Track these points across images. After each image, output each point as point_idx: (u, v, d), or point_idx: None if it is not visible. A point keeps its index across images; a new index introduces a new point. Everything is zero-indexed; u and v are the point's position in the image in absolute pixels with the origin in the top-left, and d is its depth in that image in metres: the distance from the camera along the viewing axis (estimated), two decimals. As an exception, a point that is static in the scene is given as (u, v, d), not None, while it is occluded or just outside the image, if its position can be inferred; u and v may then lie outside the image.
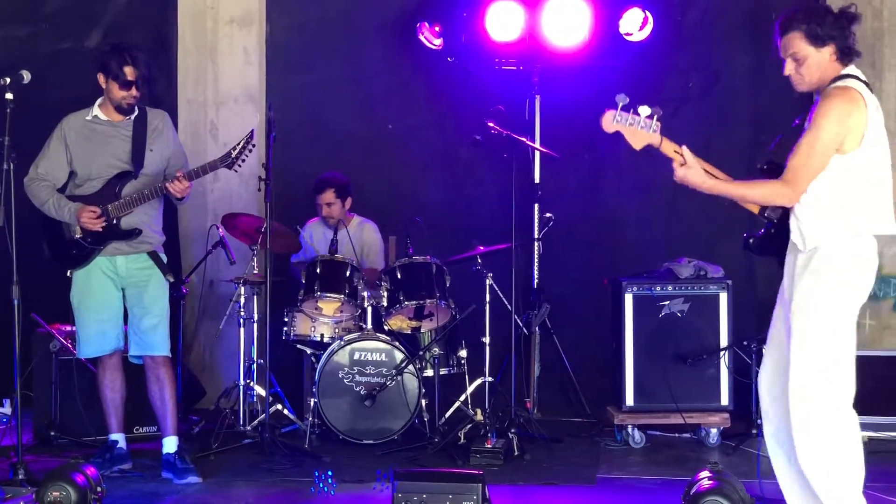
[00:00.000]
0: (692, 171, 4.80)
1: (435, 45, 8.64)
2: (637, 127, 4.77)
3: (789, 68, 4.86)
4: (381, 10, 9.15)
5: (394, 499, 4.96)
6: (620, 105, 4.77)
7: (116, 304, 6.53)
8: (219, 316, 8.48)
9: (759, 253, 5.15)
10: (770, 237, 5.03)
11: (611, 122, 4.80)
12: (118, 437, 6.64)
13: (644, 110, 4.77)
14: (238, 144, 6.46)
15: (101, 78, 6.44)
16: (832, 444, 4.67)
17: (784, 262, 5.03)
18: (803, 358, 4.70)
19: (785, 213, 4.95)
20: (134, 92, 6.41)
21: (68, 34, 9.13)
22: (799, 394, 4.70)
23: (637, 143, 4.81)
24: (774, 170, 4.92)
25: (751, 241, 5.13)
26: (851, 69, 4.82)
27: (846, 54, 4.80)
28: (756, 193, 4.85)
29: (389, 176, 9.10)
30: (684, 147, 4.83)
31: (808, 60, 4.78)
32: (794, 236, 4.82)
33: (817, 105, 4.73)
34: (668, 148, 4.82)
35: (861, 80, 4.78)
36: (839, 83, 4.74)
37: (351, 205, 8.35)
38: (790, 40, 4.81)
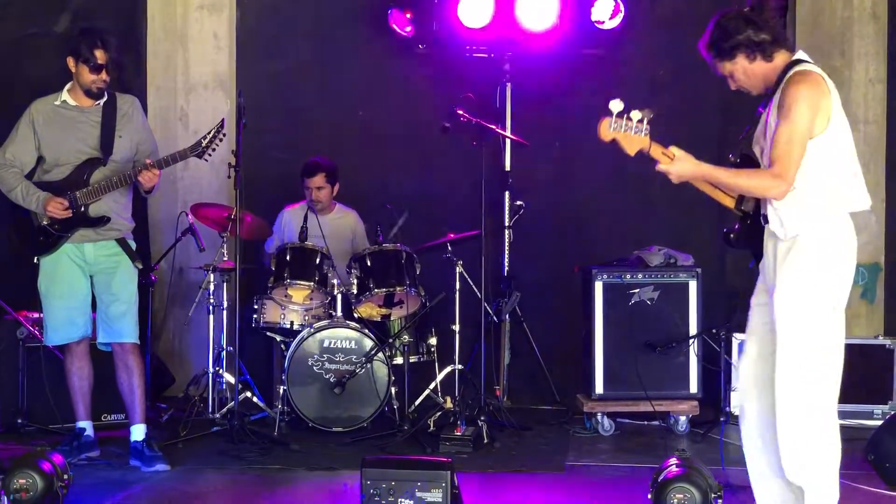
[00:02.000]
0: (682, 162, 4.76)
1: (406, 32, 8.63)
2: (631, 132, 4.75)
3: (733, 85, 4.92)
4: (353, -4, 9.14)
5: (363, 486, 4.94)
6: (616, 112, 4.74)
7: (84, 292, 6.48)
8: (188, 303, 8.47)
9: (738, 246, 5.14)
10: (747, 229, 5.03)
11: (608, 130, 4.76)
12: (86, 425, 6.58)
13: (636, 115, 4.73)
14: (208, 133, 6.41)
15: (70, 62, 6.38)
16: (815, 437, 4.70)
17: (758, 254, 5.04)
18: (791, 350, 4.70)
19: (757, 204, 4.96)
20: (104, 76, 6.35)
21: (36, 19, 9.03)
22: (786, 387, 4.71)
23: (631, 148, 4.77)
24: (746, 162, 4.93)
25: (731, 235, 5.12)
26: (800, 54, 4.82)
27: (762, 49, 4.78)
28: (748, 183, 4.80)
29: (360, 163, 9.05)
30: (672, 147, 4.80)
31: (735, 74, 4.84)
32: (774, 225, 4.80)
33: (784, 92, 4.72)
34: (657, 151, 4.78)
35: (811, 63, 4.79)
36: (799, 67, 4.73)
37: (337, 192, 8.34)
38: (714, 65, 4.90)
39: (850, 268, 4.75)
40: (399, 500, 4.88)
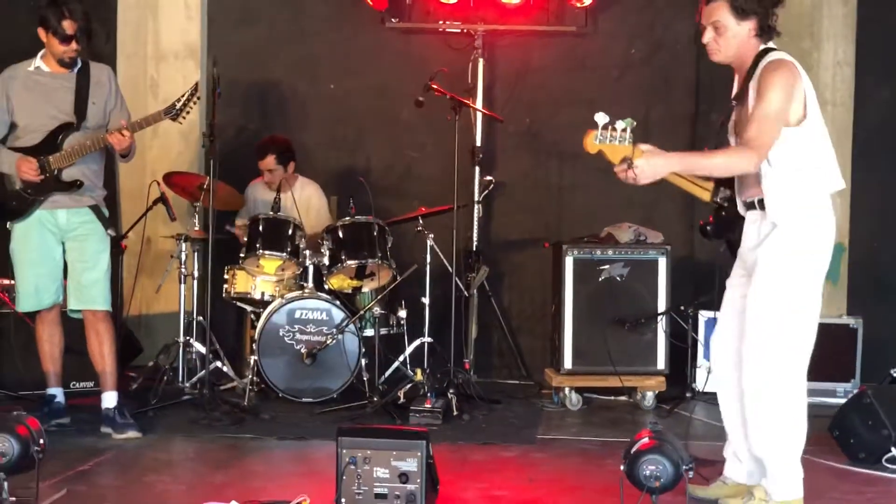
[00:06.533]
0: (652, 154, 4.69)
1: (379, 6, 8.62)
2: (616, 143, 4.75)
3: (708, 36, 4.89)
4: (326, -33, 9.11)
5: (338, 455, 4.96)
6: (601, 125, 4.73)
7: (56, 258, 6.45)
8: (156, 273, 8.46)
9: (715, 237, 5.23)
10: (721, 219, 5.11)
11: (593, 143, 4.74)
12: (56, 392, 6.58)
13: (620, 124, 4.72)
14: (182, 96, 6.38)
15: (41, 32, 6.33)
16: (782, 416, 4.79)
17: (732, 243, 5.13)
18: (762, 333, 4.79)
19: (733, 195, 5.04)
20: (74, 46, 6.31)
21: (7, -16, 8.98)
22: (755, 367, 4.80)
23: (616, 158, 4.74)
24: None
25: (707, 227, 5.20)
26: (771, 45, 4.88)
27: (765, 32, 4.85)
28: (723, 160, 4.78)
29: (330, 136, 9.09)
30: (640, 144, 4.79)
31: (728, 32, 4.83)
32: (769, 209, 4.87)
33: (760, 80, 4.77)
34: (639, 154, 4.79)
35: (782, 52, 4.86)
36: (773, 56, 4.78)
37: (295, 167, 8.32)
38: (715, 8, 4.85)
39: (828, 247, 4.84)
40: (374, 469, 4.89)
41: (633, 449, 4.96)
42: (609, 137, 4.73)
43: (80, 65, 6.43)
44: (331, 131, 9.09)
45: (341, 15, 9.04)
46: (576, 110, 8.36)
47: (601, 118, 4.73)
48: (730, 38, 4.83)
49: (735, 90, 4.99)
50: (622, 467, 4.87)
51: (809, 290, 4.81)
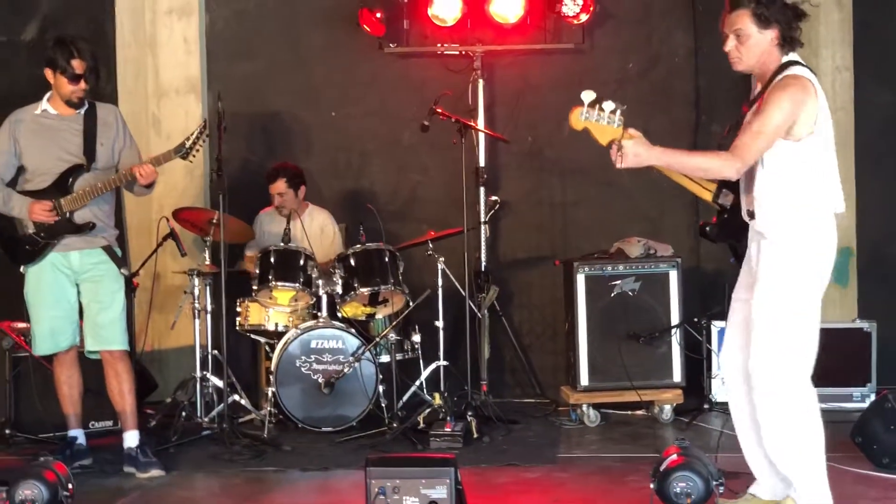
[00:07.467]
0: (637, 141, 4.73)
1: (377, 32, 8.65)
2: (603, 123, 4.76)
3: (730, 45, 4.90)
4: (322, -4, 9.14)
5: (367, 486, 4.95)
6: (587, 102, 4.76)
7: (71, 300, 6.46)
8: (167, 309, 8.46)
9: (716, 239, 5.25)
10: (724, 223, 5.13)
11: (579, 119, 4.77)
12: (77, 433, 6.59)
13: (608, 105, 4.74)
14: (192, 134, 6.39)
15: (48, 73, 6.35)
16: (796, 422, 4.80)
17: (735, 248, 5.16)
18: (766, 337, 4.80)
19: (736, 199, 5.07)
20: (83, 85, 6.33)
21: (4, 28, 8.99)
22: (761, 373, 4.81)
23: (603, 138, 4.77)
24: None
25: (707, 228, 5.23)
26: (794, 56, 4.87)
27: (788, 42, 4.84)
28: (704, 162, 4.84)
29: (334, 164, 9.10)
30: (631, 129, 4.82)
31: (750, 41, 4.83)
32: (760, 222, 4.90)
33: (771, 91, 4.77)
34: (628, 138, 4.81)
35: (805, 66, 4.85)
36: (791, 71, 4.78)
37: (305, 194, 8.34)
38: (738, 17, 4.85)
39: (828, 265, 4.85)
40: (404, 498, 4.90)
41: (663, 466, 4.97)
42: (596, 116, 4.75)
43: (86, 106, 6.45)
44: (334, 159, 9.11)
45: (339, 43, 9.05)
46: (577, 127, 8.36)
47: (587, 95, 4.75)
48: (751, 46, 4.83)
49: (753, 95, 4.99)
50: (652, 485, 4.88)
51: (808, 294, 4.81)
